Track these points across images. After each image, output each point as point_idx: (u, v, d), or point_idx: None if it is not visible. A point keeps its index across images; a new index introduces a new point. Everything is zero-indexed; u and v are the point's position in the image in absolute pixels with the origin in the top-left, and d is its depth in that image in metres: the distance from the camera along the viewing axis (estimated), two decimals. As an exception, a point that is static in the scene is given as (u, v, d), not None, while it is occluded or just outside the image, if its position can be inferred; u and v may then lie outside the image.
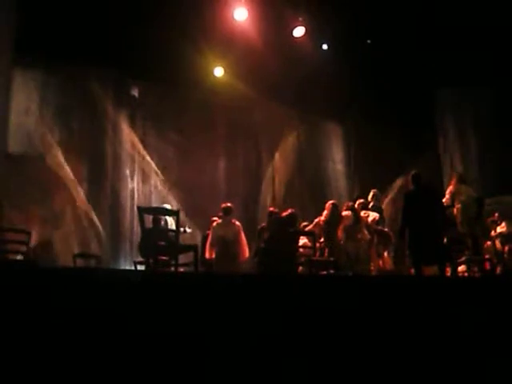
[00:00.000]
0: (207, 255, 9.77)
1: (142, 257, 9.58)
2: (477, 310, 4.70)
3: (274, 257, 9.05)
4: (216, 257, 9.69)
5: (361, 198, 11.50)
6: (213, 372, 3.88)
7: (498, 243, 11.19)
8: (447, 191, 10.33)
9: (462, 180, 10.40)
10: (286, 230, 9.45)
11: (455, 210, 10.06)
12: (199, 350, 3.94)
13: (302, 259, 9.95)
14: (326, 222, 10.13)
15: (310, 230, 10.41)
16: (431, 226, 8.61)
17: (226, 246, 9.70)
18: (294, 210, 10.05)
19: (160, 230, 10.01)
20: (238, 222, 10.03)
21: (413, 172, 9.18)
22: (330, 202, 10.51)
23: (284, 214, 9.91)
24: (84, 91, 12.72)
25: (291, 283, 5.29)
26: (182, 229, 10.09)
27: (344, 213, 10.24)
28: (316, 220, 10.48)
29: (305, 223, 11.08)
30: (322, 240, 10.20)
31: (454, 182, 10.38)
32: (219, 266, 9.57)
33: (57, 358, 3.65)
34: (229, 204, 10.27)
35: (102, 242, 12.29)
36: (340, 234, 10.03)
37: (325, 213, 10.25)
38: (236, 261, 9.66)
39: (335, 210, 10.21)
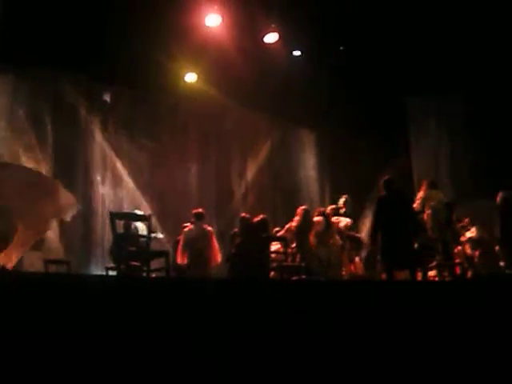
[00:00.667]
0: (179, 260, 9.76)
1: (114, 262, 9.53)
2: (448, 313, 4.74)
3: (245, 262, 9.05)
4: (188, 262, 9.68)
5: (332, 204, 11.57)
6: (184, 375, 3.88)
7: (468, 248, 11.28)
8: (417, 197, 10.40)
9: (432, 185, 10.49)
10: (257, 236, 9.45)
11: (425, 215, 10.13)
12: (172, 354, 3.93)
13: (274, 264, 9.97)
14: (298, 227, 10.16)
15: (281, 236, 10.44)
16: (402, 231, 8.67)
17: (198, 251, 9.69)
18: (265, 216, 10.08)
19: (131, 236, 9.98)
20: (209, 228, 10.05)
21: (385, 177, 9.23)
22: (302, 207, 10.54)
23: (256, 219, 9.92)
24: (55, 96, 12.61)
25: (263, 288, 5.30)
26: (153, 234, 10.06)
27: (315, 218, 10.28)
28: (287, 225, 10.52)
29: (277, 229, 11.11)
30: (293, 245, 10.22)
31: (424, 187, 10.47)
32: (191, 271, 9.56)
33: (27, 363, 3.62)
34: (200, 209, 10.28)
35: (73, 248, 12.18)
36: (312, 239, 10.06)
37: (296, 218, 10.28)
38: (208, 266, 9.66)
39: (307, 215, 10.24)
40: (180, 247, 9.86)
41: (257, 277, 8.68)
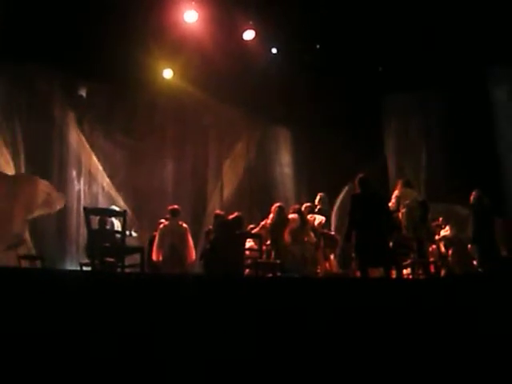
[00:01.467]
0: (154, 257, 9.72)
1: (88, 258, 9.49)
2: (421, 311, 4.77)
3: (219, 258, 9.05)
4: (163, 259, 9.65)
5: (308, 201, 11.60)
6: (156, 372, 3.87)
7: (442, 246, 11.38)
8: (393, 195, 10.45)
9: (407, 184, 10.55)
10: (232, 233, 9.45)
11: (400, 214, 10.19)
12: (145, 350, 3.92)
13: (249, 261, 9.98)
14: (272, 224, 10.18)
15: (256, 233, 10.45)
16: (377, 229, 8.71)
17: (173, 248, 9.67)
18: (240, 214, 10.09)
19: (106, 232, 9.95)
20: (185, 225, 10.02)
21: (359, 176, 9.26)
22: (276, 204, 10.57)
23: (230, 216, 9.93)
24: (31, 91, 12.53)
25: (238, 285, 5.30)
26: (127, 232, 10.02)
27: (290, 216, 10.31)
28: (262, 223, 10.54)
29: (251, 226, 11.12)
30: (268, 242, 10.23)
31: (399, 186, 10.52)
32: (166, 268, 9.53)
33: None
34: (176, 206, 10.26)
35: (48, 244, 12.11)
36: (286, 236, 10.08)
37: (271, 216, 10.30)
38: (183, 263, 9.63)
39: (281, 212, 10.27)
40: (155, 244, 9.83)
41: (231, 273, 8.67)
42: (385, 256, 8.73)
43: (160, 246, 9.73)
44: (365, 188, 9.05)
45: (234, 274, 8.81)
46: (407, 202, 10.11)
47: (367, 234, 8.59)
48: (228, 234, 9.38)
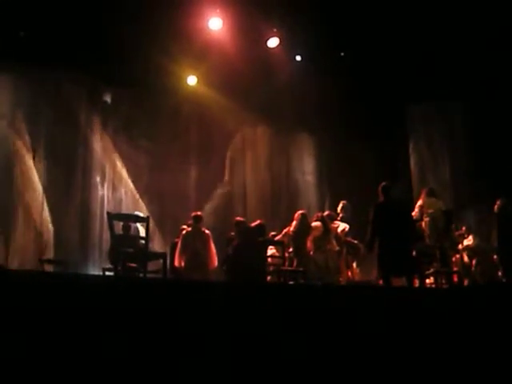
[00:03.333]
0: (176, 263, 9.72)
1: (111, 263, 9.52)
2: (444, 320, 4.74)
3: (241, 265, 9.02)
4: (185, 265, 9.65)
5: (330, 209, 11.57)
6: (179, 377, 3.87)
7: (465, 256, 11.29)
8: (416, 205, 10.39)
9: (431, 193, 10.44)
10: (254, 239, 9.44)
11: (423, 223, 10.12)
12: (168, 356, 3.92)
13: (271, 268, 9.96)
14: (295, 232, 10.16)
15: (279, 240, 10.44)
16: (400, 237, 8.65)
17: (196, 254, 9.67)
18: (262, 221, 10.09)
19: (129, 237, 9.98)
20: (207, 231, 10.02)
21: (383, 183, 9.21)
22: (299, 212, 10.55)
23: (253, 224, 9.93)
24: (56, 96, 12.61)
25: (261, 292, 5.29)
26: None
27: (314, 223, 10.27)
28: (285, 230, 10.51)
29: (273, 233, 11.11)
30: (290, 250, 10.21)
31: (423, 195, 10.43)
32: (188, 274, 9.53)
33: (22, 362, 3.62)
34: (199, 212, 10.29)
35: (71, 249, 12.17)
36: (309, 244, 10.06)
37: (294, 223, 10.28)
38: (205, 269, 9.62)
39: (304, 220, 10.25)
40: (178, 250, 9.83)
41: (253, 280, 8.65)
42: (407, 265, 8.66)
43: (182, 252, 9.73)
44: (388, 196, 9.00)
45: (256, 280, 8.79)
46: (431, 211, 10.04)
47: (390, 243, 8.54)
48: (250, 241, 9.36)
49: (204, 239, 9.84)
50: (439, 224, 10.04)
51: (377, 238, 8.70)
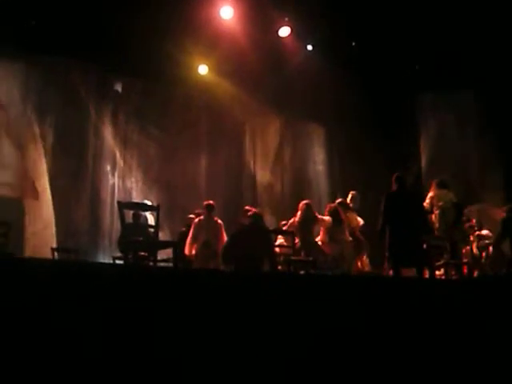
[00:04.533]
0: (187, 251, 9.73)
1: (121, 252, 9.55)
2: (453, 311, 4.73)
3: (236, 253, 8.90)
4: (196, 254, 9.66)
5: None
6: (186, 365, 3.88)
7: (475, 248, 11.24)
8: (427, 197, 10.35)
9: (442, 185, 10.38)
10: (249, 228, 9.33)
11: (433, 216, 10.09)
12: (177, 344, 3.93)
13: (281, 258, 9.93)
14: (300, 222, 10.12)
15: (288, 230, 10.43)
16: (411, 227, 8.62)
17: (208, 243, 9.67)
18: (258, 210, 10.04)
19: (139, 226, 10.00)
20: (220, 220, 10.03)
21: (396, 174, 9.18)
22: (304, 201, 10.50)
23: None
24: (67, 84, 12.63)
25: (270, 281, 5.29)
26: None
27: (325, 217, 10.27)
28: (291, 220, 10.49)
29: (283, 222, 11.09)
30: (297, 241, 10.18)
31: (433, 187, 10.39)
32: (199, 262, 9.54)
33: (34, 349, 3.63)
34: (211, 201, 10.27)
35: (81, 237, 12.21)
36: (322, 235, 10.06)
37: (298, 213, 10.24)
38: (216, 259, 9.60)
39: (308, 210, 10.21)
40: (189, 238, 9.85)
41: (247, 268, 8.55)
42: (418, 255, 8.64)
43: (194, 241, 9.75)
44: (401, 186, 8.97)
45: (250, 268, 8.66)
46: (441, 203, 10.00)
47: (400, 232, 8.51)
48: (245, 230, 9.25)
49: (216, 229, 9.85)
50: (449, 217, 10.00)
51: (388, 228, 8.68)
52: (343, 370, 4.19)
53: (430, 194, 10.33)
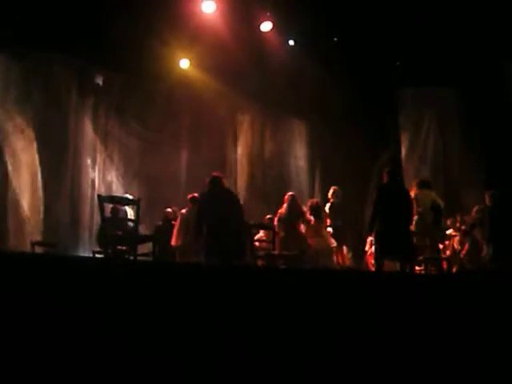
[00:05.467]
0: (174, 242, 9.78)
1: (100, 246, 9.53)
2: (432, 307, 4.75)
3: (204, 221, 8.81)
4: (182, 245, 9.65)
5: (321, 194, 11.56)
6: (171, 364, 3.87)
7: (456, 243, 11.28)
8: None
9: (423, 185, 10.38)
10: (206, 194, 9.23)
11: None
12: (157, 339, 3.92)
13: (261, 253, 9.94)
14: (286, 213, 10.12)
15: (268, 224, 10.46)
16: (401, 221, 8.70)
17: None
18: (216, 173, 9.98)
19: (118, 220, 9.98)
20: None
21: (388, 167, 9.33)
22: (289, 193, 10.53)
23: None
24: (47, 78, 12.53)
25: (255, 275, 5.29)
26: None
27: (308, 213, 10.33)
28: (279, 211, 10.43)
29: (269, 216, 11.10)
30: (282, 234, 10.15)
31: (414, 187, 10.33)
32: (183, 255, 9.50)
33: (14, 346, 3.61)
34: (196, 194, 10.25)
35: (61, 231, 12.14)
36: (305, 229, 10.11)
37: (284, 205, 10.26)
38: (201, 251, 9.46)
39: (293, 201, 10.23)
40: (176, 228, 9.87)
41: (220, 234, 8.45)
42: (407, 248, 8.69)
43: (180, 232, 9.75)
44: (394, 180, 9.05)
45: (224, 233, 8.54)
46: (420, 209, 9.96)
47: (390, 224, 8.57)
48: (207, 195, 9.18)
49: None
50: (428, 220, 10.04)
51: (378, 219, 8.73)
52: (332, 367, 4.20)
53: (412, 195, 10.33)
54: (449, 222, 11.45)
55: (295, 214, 10.12)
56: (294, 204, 10.22)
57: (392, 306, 4.70)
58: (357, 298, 4.71)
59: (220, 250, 8.51)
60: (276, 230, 10.11)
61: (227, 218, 8.68)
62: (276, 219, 10.39)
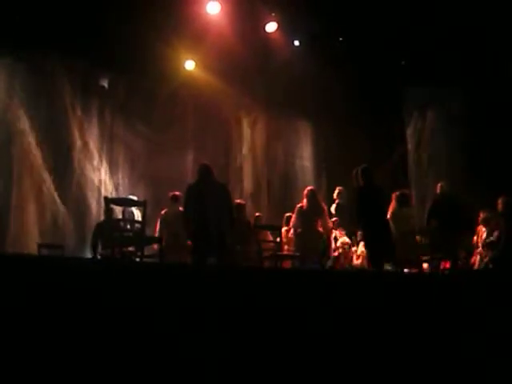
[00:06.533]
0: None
1: (92, 249, 9.58)
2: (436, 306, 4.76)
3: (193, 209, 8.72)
4: (165, 246, 9.43)
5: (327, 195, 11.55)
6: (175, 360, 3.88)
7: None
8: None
9: (401, 201, 9.91)
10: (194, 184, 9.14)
11: None
12: (162, 338, 3.94)
13: (267, 254, 9.87)
14: (307, 208, 9.99)
15: (275, 225, 10.41)
16: (386, 223, 8.66)
17: (176, 236, 9.53)
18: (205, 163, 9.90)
19: (114, 221, 9.96)
20: None
21: (363, 166, 9.14)
22: (308, 188, 10.41)
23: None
24: (53, 80, 12.56)
25: (257, 277, 5.30)
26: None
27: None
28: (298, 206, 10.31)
29: (288, 214, 10.97)
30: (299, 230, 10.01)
31: (393, 201, 9.89)
32: (168, 256, 9.34)
33: (18, 344, 3.62)
34: (177, 192, 10.15)
35: (68, 233, 12.17)
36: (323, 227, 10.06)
37: (304, 200, 10.13)
38: (184, 251, 9.25)
39: (314, 196, 10.12)
40: (156, 232, 9.81)
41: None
42: (392, 251, 8.66)
43: (160, 234, 9.67)
44: (370, 180, 8.90)
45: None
46: (397, 235, 9.33)
47: (380, 229, 8.50)
48: (194, 185, 9.05)
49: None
50: (407, 241, 9.52)
51: (365, 224, 8.66)
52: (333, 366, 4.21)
53: (390, 211, 10.06)
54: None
55: (317, 209, 10.04)
56: (316, 199, 10.11)
57: (393, 306, 4.71)
58: (360, 298, 4.72)
59: (202, 250, 8.44)
60: (293, 226, 10.01)
61: (212, 217, 8.48)
62: (294, 215, 10.23)
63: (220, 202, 8.65)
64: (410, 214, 10.13)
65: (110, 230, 9.17)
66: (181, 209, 9.66)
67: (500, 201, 9.63)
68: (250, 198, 14.12)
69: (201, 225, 8.42)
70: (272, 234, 10.44)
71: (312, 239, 9.83)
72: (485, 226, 10.17)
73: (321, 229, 10.03)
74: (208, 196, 8.58)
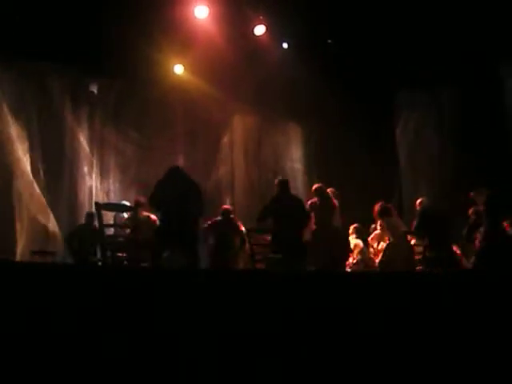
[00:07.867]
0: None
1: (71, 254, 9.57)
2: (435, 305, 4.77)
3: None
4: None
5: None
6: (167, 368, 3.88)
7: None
8: (373, 234, 10.39)
9: (387, 212, 10.03)
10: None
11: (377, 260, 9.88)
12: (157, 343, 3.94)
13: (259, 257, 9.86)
14: (320, 205, 10.01)
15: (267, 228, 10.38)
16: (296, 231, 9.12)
17: (146, 243, 9.44)
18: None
19: (93, 228, 9.95)
20: (153, 216, 9.86)
21: (281, 178, 9.71)
22: (316, 185, 10.42)
23: None
24: (41, 86, 12.55)
25: (250, 280, 5.30)
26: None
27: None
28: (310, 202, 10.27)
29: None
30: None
31: (376, 213, 10.09)
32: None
33: (15, 352, 3.62)
34: (140, 198, 10.22)
35: (59, 239, 12.14)
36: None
37: (315, 199, 10.13)
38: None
39: (325, 192, 10.16)
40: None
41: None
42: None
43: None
44: (287, 191, 9.49)
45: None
46: (387, 254, 9.53)
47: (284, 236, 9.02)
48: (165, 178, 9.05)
49: (149, 225, 9.71)
50: (401, 254, 9.54)
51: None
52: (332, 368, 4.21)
53: (376, 232, 10.17)
54: None
55: (327, 203, 10.06)
56: (327, 195, 10.12)
57: (394, 306, 4.71)
58: (360, 298, 4.73)
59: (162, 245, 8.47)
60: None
61: (179, 211, 8.43)
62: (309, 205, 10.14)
63: (188, 199, 8.60)
64: (398, 221, 10.24)
65: (94, 236, 9.15)
66: (145, 214, 10.05)
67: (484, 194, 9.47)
68: (242, 201, 14.11)
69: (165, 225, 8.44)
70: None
71: (328, 235, 9.83)
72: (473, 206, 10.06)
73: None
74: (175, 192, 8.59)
